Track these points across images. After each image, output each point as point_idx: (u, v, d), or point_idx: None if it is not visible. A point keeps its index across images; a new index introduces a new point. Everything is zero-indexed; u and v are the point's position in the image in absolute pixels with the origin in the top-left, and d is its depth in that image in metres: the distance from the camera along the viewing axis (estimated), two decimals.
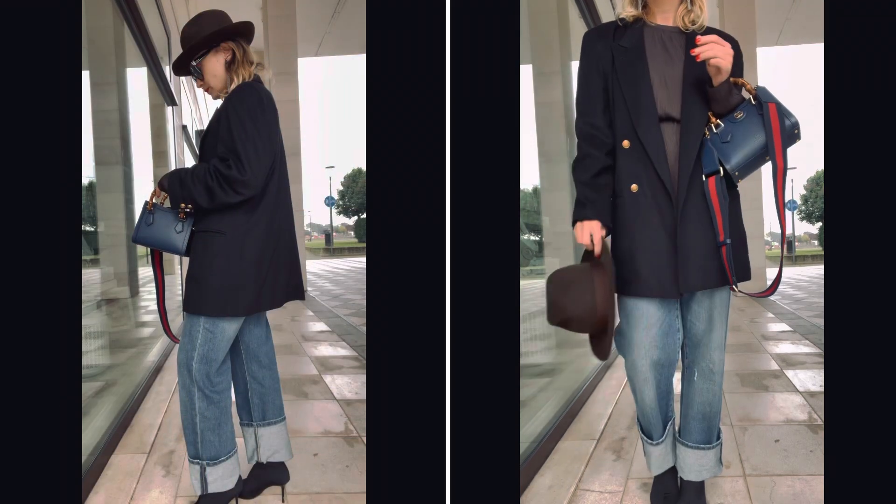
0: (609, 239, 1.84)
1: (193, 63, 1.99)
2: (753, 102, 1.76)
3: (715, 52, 1.67)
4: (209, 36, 1.96)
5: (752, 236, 9.35)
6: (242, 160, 1.82)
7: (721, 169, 1.74)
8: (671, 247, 1.75)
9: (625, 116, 1.79)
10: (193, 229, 1.96)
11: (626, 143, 1.78)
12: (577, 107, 1.89)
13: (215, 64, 1.98)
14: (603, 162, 1.81)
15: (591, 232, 1.78)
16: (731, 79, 1.75)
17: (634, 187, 1.77)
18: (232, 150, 1.83)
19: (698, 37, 1.71)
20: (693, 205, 1.75)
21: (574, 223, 1.82)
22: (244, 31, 2.02)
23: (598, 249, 1.77)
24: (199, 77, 2.00)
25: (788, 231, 36.45)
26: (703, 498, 1.97)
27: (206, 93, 2.06)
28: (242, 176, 1.81)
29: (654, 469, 2.02)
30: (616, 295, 1.81)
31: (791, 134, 1.74)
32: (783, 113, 1.73)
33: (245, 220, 1.91)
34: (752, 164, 1.76)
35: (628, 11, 1.84)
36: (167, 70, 5.83)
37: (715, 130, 1.76)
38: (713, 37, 1.69)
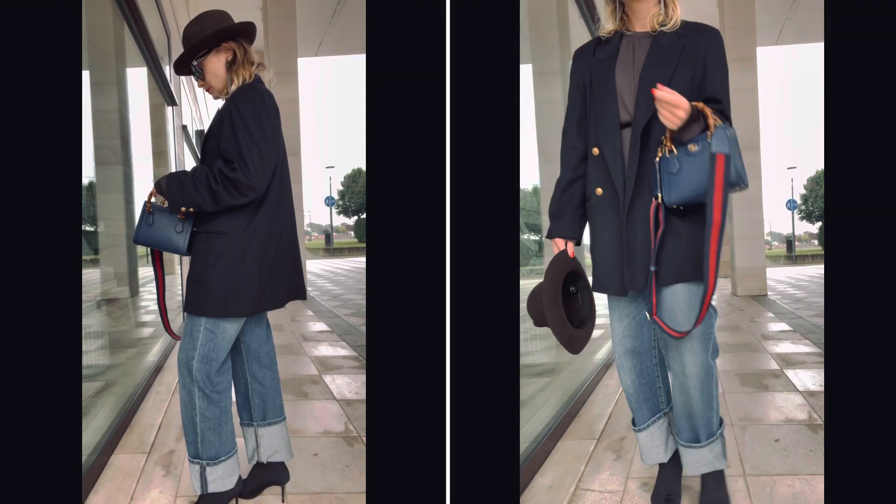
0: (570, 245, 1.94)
1: (194, 63, 1.99)
2: (709, 141, 1.65)
3: (661, 114, 1.65)
4: (210, 35, 1.95)
5: (753, 236, 9.37)
6: (247, 163, 1.81)
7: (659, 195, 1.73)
8: (619, 247, 1.84)
9: (593, 125, 1.87)
10: (195, 230, 1.96)
11: (595, 151, 1.87)
12: (563, 125, 1.97)
13: (216, 64, 1.98)
14: (570, 177, 1.93)
15: (557, 245, 1.93)
16: (699, 106, 1.67)
17: (599, 191, 1.87)
18: (237, 153, 1.83)
19: (658, 86, 1.63)
20: (641, 208, 1.79)
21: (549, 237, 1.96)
22: (246, 32, 2.01)
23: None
24: (200, 77, 2.00)
25: (788, 230, 36.44)
26: (724, 487, 1.99)
27: (206, 92, 2.06)
28: (248, 180, 1.81)
29: (646, 459, 2.04)
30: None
31: (734, 186, 1.67)
32: (730, 167, 1.63)
33: (247, 221, 1.90)
34: (695, 202, 1.70)
35: (607, 28, 1.90)
36: (167, 70, 5.82)
37: (666, 155, 1.71)
38: (668, 96, 1.61)
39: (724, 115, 1.76)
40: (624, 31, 1.88)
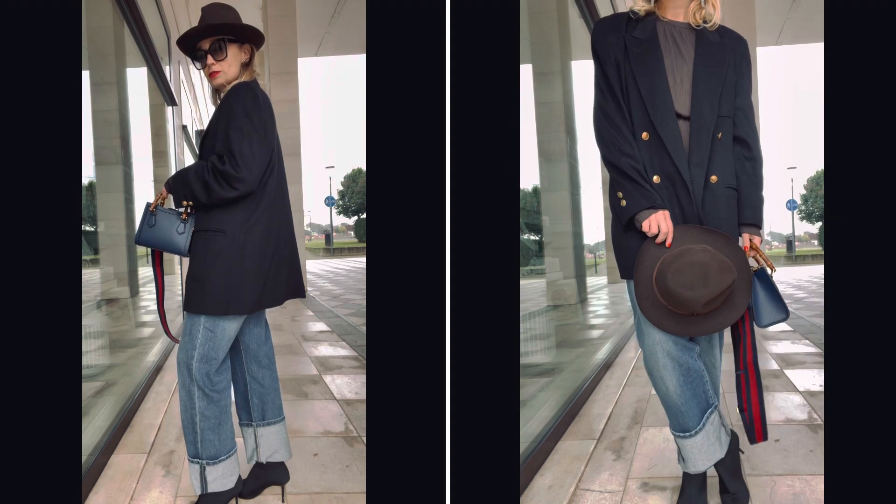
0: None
1: (220, 39, 1.96)
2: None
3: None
4: (250, 29, 1.98)
5: None
6: (236, 157, 1.83)
7: None
8: None
9: (641, 109, 1.80)
10: (194, 229, 1.97)
11: (645, 135, 1.80)
12: (596, 99, 1.88)
13: (238, 56, 2.00)
14: (635, 149, 1.81)
15: (660, 223, 1.76)
16: (753, 251, 1.85)
17: (657, 178, 1.80)
18: (226, 147, 1.85)
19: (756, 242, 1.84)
20: (710, 199, 1.81)
21: (633, 217, 1.78)
22: (261, 42, 2.07)
23: (669, 239, 1.76)
24: (219, 56, 1.96)
25: (788, 231, 36.44)
26: (705, 494, 1.96)
27: (209, 78, 2.00)
28: (237, 172, 1.83)
29: (699, 465, 1.87)
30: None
31: (775, 322, 1.87)
32: (751, 320, 1.85)
33: (245, 219, 1.91)
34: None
35: (640, 5, 1.85)
36: (167, 70, 5.83)
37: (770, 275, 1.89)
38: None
39: (751, 125, 1.89)
40: (658, 15, 1.85)
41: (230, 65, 1.98)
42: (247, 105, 1.89)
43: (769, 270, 1.88)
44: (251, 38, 2.01)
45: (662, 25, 1.84)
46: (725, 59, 1.83)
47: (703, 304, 1.72)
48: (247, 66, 2.02)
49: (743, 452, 2.14)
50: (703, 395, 1.85)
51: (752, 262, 1.85)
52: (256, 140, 1.86)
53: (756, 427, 1.85)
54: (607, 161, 1.85)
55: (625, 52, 1.82)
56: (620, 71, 1.83)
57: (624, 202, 1.80)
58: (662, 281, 1.74)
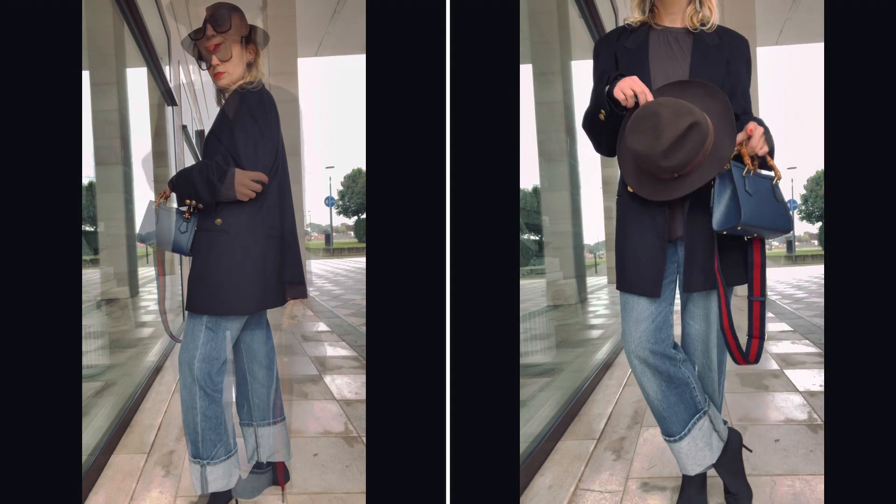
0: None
1: (219, 34, 1.94)
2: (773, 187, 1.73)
3: (756, 144, 1.68)
4: (255, 29, 1.98)
5: None
6: (241, 158, 1.83)
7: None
8: (657, 248, 1.78)
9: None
10: (196, 228, 1.97)
11: None
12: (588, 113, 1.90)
13: (243, 56, 1.99)
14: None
15: (631, 85, 1.71)
16: (768, 159, 1.72)
17: (631, 188, 1.79)
18: (231, 148, 1.85)
19: (751, 126, 1.67)
20: (700, 209, 1.76)
21: (609, 93, 1.74)
22: (266, 42, 2.07)
23: (649, 95, 1.70)
24: (224, 56, 1.95)
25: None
26: (705, 494, 1.96)
27: (214, 78, 1.99)
28: None
29: (690, 468, 1.89)
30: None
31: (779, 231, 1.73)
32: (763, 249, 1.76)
33: (249, 219, 1.92)
34: (755, 230, 1.71)
35: (634, 17, 1.87)
36: (167, 70, 5.83)
37: (750, 174, 1.69)
38: (761, 129, 1.68)
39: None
40: (653, 23, 1.86)
41: (235, 65, 1.98)
42: (251, 105, 1.89)
43: (773, 175, 1.74)
44: (256, 38, 2.01)
45: (657, 33, 1.85)
46: (721, 61, 1.82)
47: (663, 154, 1.63)
48: (252, 66, 2.02)
49: (751, 451, 2.14)
50: (690, 401, 1.84)
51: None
52: (261, 142, 1.87)
53: (752, 348, 1.76)
54: (597, 130, 1.84)
55: (615, 63, 1.84)
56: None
57: (602, 113, 1.76)
58: (623, 142, 1.69)
